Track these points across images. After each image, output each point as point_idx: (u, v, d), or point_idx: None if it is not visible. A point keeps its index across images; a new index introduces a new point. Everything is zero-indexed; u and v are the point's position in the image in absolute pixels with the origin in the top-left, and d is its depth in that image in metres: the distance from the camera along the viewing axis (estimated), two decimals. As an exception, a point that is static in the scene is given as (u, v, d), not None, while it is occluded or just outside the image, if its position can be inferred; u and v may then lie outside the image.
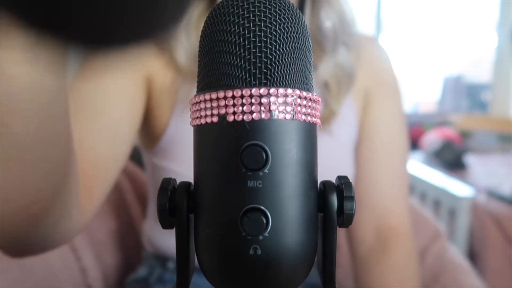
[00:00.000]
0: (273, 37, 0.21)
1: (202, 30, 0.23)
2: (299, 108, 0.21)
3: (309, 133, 0.22)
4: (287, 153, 0.21)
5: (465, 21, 3.51)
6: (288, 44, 0.22)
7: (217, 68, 0.22)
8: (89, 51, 0.13)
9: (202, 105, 0.22)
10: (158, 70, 0.58)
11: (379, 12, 2.85)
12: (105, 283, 0.77)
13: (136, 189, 0.90)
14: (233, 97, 0.21)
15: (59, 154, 0.32)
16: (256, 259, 0.21)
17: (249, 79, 0.21)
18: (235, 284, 0.22)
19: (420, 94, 3.50)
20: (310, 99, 0.22)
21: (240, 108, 0.20)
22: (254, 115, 0.20)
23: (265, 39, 0.21)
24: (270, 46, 0.21)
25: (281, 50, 0.21)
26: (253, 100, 0.20)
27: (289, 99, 0.21)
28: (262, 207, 0.20)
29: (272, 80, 0.21)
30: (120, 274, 0.81)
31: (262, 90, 0.20)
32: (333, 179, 0.24)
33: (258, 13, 0.21)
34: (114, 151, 0.52)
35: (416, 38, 3.54)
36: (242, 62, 0.21)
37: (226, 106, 0.21)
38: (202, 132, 0.22)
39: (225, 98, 0.21)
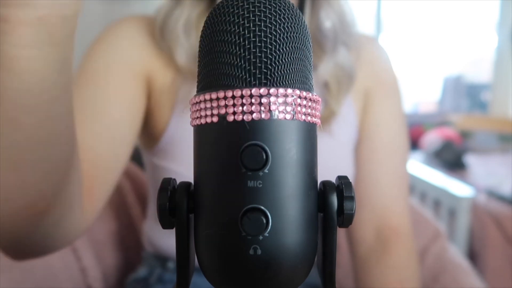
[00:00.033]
0: (273, 37, 0.21)
1: (202, 30, 0.23)
2: (299, 108, 0.21)
3: (309, 133, 0.22)
4: (287, 153, 0.21)
5: (465, 21, 3.51)
6: (288, 44, 0.22)
7: (217, 68, 0.22)
8: None
9: (202, 105, 0.22)
10: (158, 70, 0.58)
11: (379, 12, 2.85)
12: (105, 283, 0.77)
13: (136, 189, 0.90)
14: (233, 97, 0.21)
15: (60, 154, 0.32)
16: (256, 259, 0.21)
17: (249, 79, 0.21)
18: (235, 284, 0.22)
19: (420, 94, 3.50)
20: (310, 99, 0.22)
21: (240, 108, 0.20)
22: (254, 115, 0.20)
23: (265, 39, 0.21)
24: (270, 46, 0.21)
25: (281, 50, 0.21)
26: (253, 100, 0.20)
27: (289, 99, 0.21)
28: (262, 207, 0.20)
29: (272, 80, 0.21)
30: (120, 274, 0.81)
31: (262, 90, 0.20)
32: (333, 179, 0.24)
33: (258, 13, 0.21)
34: (114, 152, 0.52)
35: (416, 38, 3.54)
36: (242, 62, 0.21)
37: (226, 106, 0.21)
38: (202, 132, 0.22)
39: (225, 98, 0.21)
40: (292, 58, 0.22)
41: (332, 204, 0.22)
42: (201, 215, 0.22)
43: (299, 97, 0.21)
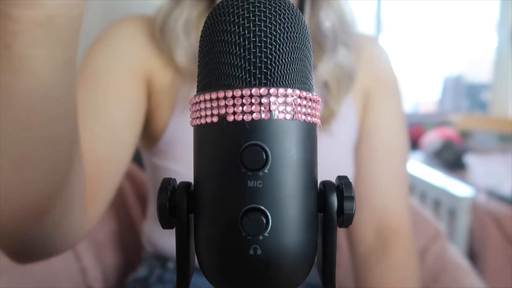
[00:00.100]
0: (273, 37, 0.21)
1: (202, 30, 0.23)
2: (299, 108, 0.21)
3: (309, 133, 0.22)
4: (287, 153, 0.21)
5: (465, 21, 3.51)
6: (288, 44, 0.22)
7: (217, 68, 0.22)
8: None
9: (202, 105, 0.22)
10: (158, 70, 0.58)
11: (379, 12, 2.85)
12: (105, 283, 0.77)
13: (136, 189, 0.90)
14: (233, 97, 0.21)
15: (62, 153, 0.32)
16: (256, 259, 0.21)
17: (249, 79, 0.21)
18: (235, 284, 0.22)
19: (420, 94, 3.50)
20: (310, 99, 0.22)
21: (240, 108, 0.20)
22: (254, 115, 0.20)
23: (265, 39, 0.21)
24: (270, 46, 0.21)
25: (281, 50, 0.21)
26: (253, 100, 0.20)
27: (289, 99, 0.21)
28: (262, 207, 0.20)
29: (272, 80, 0.21)
30: (120, 274, 0.81)
31: (262, 90, 0.20)
32: (333, 179, 0.24)
33: (258, 13, 0.21)
34: (115, 153, 0.51)
35: (416, 38, 3.54)
36: (242, 62, 0.21)
37: (226, 106, 0.21)
38: (202, 132, 0.22)
39: (225, 98, 0.21)
40: (292, 58, 0.22)
41: (332, 204, 0.22)
42: (201, 215, 0.22)
43: (299, 97, 0.21)
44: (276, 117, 0.21)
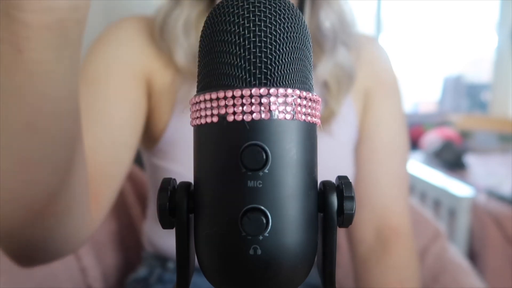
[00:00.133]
0: (273, 37, 0.21)
1: (202, 30, 0.23)
2: (299, 108, 0.21)
3: (309, 133, 0.22)
4: (287, 153, 0.21)
5: (465, 21, 3.51)
6: (288, 44, 0.22)
7: (217, 68, 0.22)
8: None
9: (202, 105, 0.22)
10: (158, 71, 0.58)
11: (379, 12, 2.85)
12: (105, 283, 0.77)
13: (136, 189, 0.90)
14: (233, 97, 0.21)
15: (64, 153, 0.32)
16: (256, 259, 0.21)
17: (249, 79, 0.21)
18: (235, 284, 0.22)
19: (420, 94, 3.50)
20: (310, 99, 0.22)
21: (240, 108, 0.20)
22: (254, 115, 0.20)
23: (265, 39, 0.21)
24: (270, 46, 0.21)
25: (281, 50, 0.21)
26: (253, 100, 0.20)
27: (289, 99, 0.21)
28: (262, 207, 0.20)
29: (272, 80, 0.21)
30: (120, 274, 0.81)
31: (262, 90, 0.20)
32: (333, 179, 0.24)
33: (258, 13, 0.21)
34: (116, 154, 0.51)
35: (416, 38, 3.54)
36: (242, 62, 0.21)
37: (226, 106, 0.21)
38: (202, 132, 0.22)
39: (225, 98, 0.21)
40: (292, 58, 0.22)
41: (332, 204, 0.22)
42: (201, 215, 0.22)
43: (299, 97, 0.21)
44: (276, 117, 0.21)
